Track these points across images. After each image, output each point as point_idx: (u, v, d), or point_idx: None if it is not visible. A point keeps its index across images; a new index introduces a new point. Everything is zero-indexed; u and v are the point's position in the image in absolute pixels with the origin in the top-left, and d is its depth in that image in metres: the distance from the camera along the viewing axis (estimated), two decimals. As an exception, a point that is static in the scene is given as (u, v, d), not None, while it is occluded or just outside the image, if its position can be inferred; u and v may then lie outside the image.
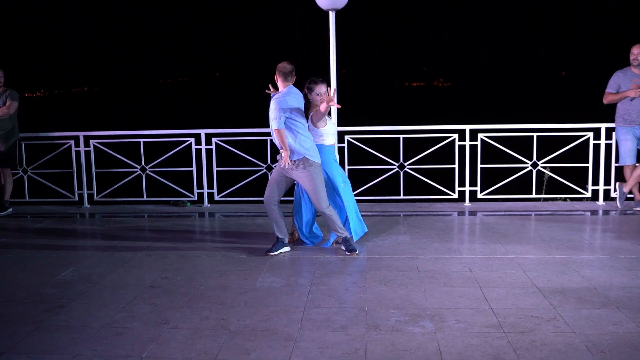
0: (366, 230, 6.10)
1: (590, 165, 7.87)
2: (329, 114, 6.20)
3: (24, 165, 8.45)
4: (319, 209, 5.61)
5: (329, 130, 5.82)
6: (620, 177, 7.57)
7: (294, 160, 5.49)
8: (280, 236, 5.71)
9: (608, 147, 7.79)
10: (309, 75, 5.74)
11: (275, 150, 5.87)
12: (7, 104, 7.61)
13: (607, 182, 7.89)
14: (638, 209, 7.29)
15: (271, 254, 5.61)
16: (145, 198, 8.38)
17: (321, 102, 5.47)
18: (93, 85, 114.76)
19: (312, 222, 6.01)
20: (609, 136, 7.74)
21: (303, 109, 5.63)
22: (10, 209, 7.94)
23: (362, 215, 7.29)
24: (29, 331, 3.93)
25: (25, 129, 8.28)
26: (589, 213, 7.38)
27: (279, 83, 5.64)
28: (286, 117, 5.43)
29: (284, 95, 5.51)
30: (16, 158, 7.92)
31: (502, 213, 7.37)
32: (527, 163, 7.98)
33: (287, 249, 5.74)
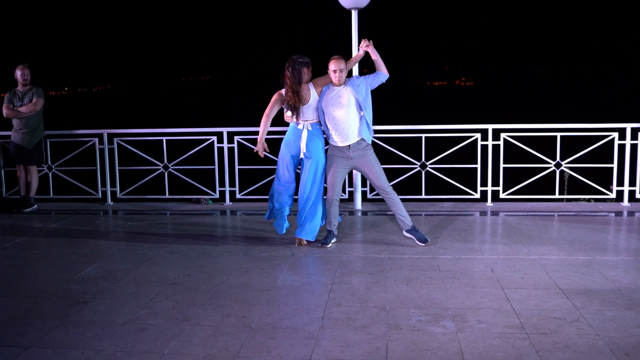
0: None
1: (615, 165, 7.76)
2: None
3: (49, 162, 8.57)
4: (385, 188, 5.89)
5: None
6: (646, 177, 7.46)
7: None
8: (332, 229, 5.97)
9: (634, 147, 7.67)
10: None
11: None
12: (34, 101, 7.73)
13: (632, 182, 7.78)
14: (664, 210, 7.18)
15: (327, 245, 5.85)
16: (167, 196, 8.45)
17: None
18: (116, 83, 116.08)
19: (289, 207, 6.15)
20: (634, 136, 7.63)
21: None
22: (35, 206, 8.07)
23: (384, 214, 7.31)
24: (53, 326, 3.99)
25: (51, 127, 8.40)
26: (613, 214, 7.28)
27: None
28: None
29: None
30: (42, 155, 8.05)
31: (525, 213, 7.30)
32: (551, 163, 7.90)
33: (336, 239, 6.04)
